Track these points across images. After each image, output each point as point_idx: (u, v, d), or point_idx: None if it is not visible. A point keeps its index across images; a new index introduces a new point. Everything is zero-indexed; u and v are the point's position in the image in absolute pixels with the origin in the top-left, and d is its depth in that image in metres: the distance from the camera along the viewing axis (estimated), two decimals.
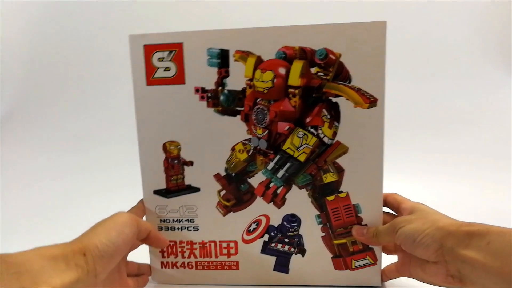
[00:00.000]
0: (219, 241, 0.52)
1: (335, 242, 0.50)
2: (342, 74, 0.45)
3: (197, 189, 0.50)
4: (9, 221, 0.75)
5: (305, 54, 0.45)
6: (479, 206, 0.74)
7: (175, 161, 0.49)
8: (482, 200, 0.77)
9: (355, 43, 0.44)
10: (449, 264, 0.39)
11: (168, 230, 0.51)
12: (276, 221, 0.50)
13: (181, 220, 0.51)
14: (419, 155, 0.92)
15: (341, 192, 0.48)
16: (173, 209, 0.51)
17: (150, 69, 0.47)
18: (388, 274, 0.50)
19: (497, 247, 0.35)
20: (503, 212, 0.71)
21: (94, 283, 0.37)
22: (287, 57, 0.45)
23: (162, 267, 0.52)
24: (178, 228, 0.51)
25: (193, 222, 0.51)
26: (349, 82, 0.46)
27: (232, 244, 0.51)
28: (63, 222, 0.73)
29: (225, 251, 0.52)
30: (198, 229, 0.51)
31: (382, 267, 0.50)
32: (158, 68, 0.47)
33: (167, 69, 0.47)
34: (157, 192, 0.51)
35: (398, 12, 0.94)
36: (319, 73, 0.46)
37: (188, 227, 0.51)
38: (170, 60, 0.47)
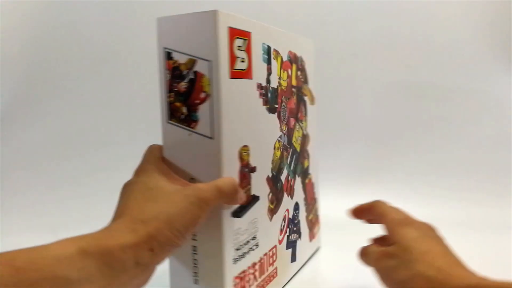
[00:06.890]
0: (268, 251, 0.45)
1: (309, 217, 0.57)
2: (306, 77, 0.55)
3: (257, 198, 0.42)
4: (9, 221, 0.74)
5: (296, 59, 0.52)
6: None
7: (246, 170, 0.40)
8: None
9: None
10: None
11: (241, 259, 0.40)
12: (291, 213, 0.51)
13: (248, 240, 0.41)
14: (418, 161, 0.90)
15: (310, 174, 0.58)
16: (242, 230, 0.40)
17: (232, 58, 0.37)
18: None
19: None
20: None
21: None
22: (291, 60, 0.51)
23: None
24: (246, 253, 0.41)
25: (255, 238, 0.42)
26: (307, 84, 0.56)
27: (274, 250, 0.46)
28: (64, 224, 0.70)
29: (270, 260, 0.46)
30: (258, 246, 0.43)
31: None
32: (238, 58, 0.38)
33: (242, 60, 0.39)
34: (235, 213, 0.39)
35: (398, 11, 0.92)
36: (299, 76, 0.54)
37: (252, 247, 0.42)
38: (244, 50, 0.39)
